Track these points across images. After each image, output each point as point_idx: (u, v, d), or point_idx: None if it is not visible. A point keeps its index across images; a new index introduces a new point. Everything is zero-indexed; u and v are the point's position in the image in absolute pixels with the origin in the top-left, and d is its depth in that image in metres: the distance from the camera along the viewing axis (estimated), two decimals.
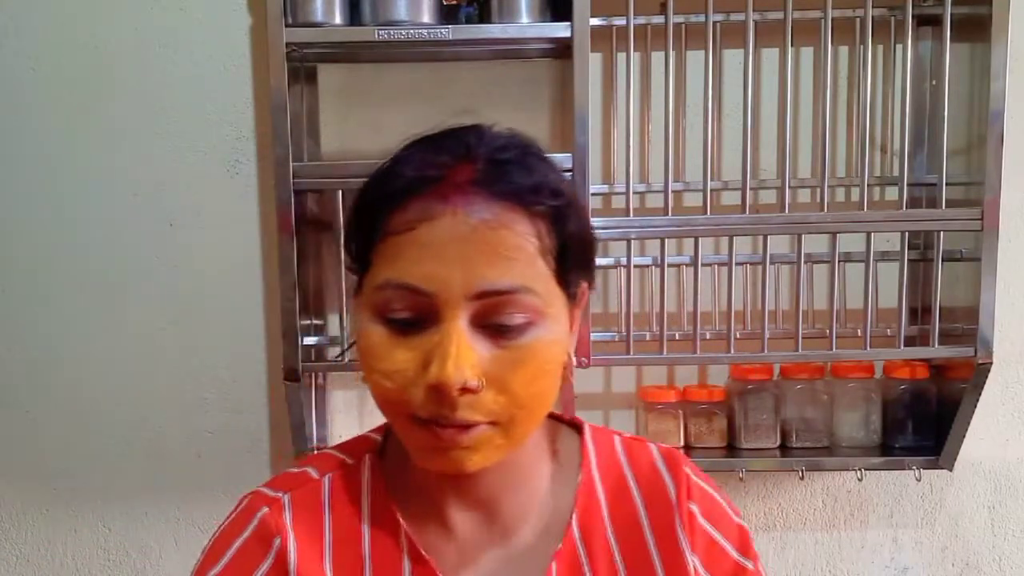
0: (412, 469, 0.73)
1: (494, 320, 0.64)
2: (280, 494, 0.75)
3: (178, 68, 1.47)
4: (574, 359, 0.72)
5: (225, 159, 1.49)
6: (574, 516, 0.74)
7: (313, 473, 0.76)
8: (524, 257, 0.64)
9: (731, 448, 1.49)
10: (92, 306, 1.51)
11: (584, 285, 0.71)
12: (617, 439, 0.79)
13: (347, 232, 0.70)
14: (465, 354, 0.62)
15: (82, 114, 1.48)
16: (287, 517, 0.73)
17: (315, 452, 0.78)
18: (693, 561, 0.73)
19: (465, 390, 0.63)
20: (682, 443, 1.49)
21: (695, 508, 0.75)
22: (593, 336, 1.37)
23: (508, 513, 0.74)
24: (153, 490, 1.55)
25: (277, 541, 0.72)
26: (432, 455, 0.67)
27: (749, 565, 0.76)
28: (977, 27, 1.34)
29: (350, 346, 0.79)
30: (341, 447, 0.79)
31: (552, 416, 0.79)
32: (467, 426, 0.64)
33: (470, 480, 0.71)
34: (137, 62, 1.47)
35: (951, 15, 1.32)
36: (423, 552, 0.72)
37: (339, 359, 1.45)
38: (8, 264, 1.51)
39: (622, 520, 0.74)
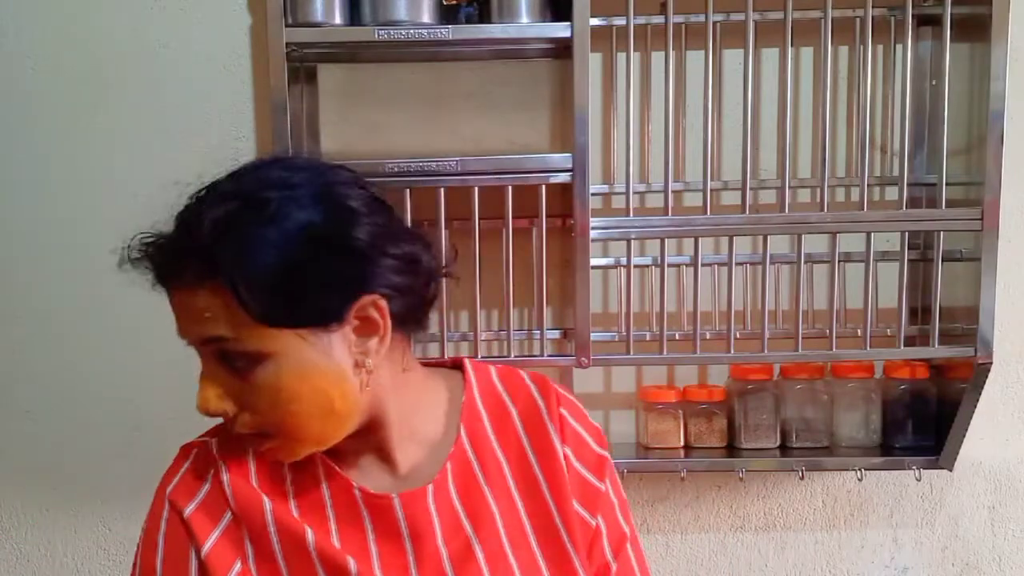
0: None
1: (227, 361, 0.81)
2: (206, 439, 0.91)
3: (178, 68, 1.47)
4: (368, 365, 0.80)
5: (225, 159, 1.47)
6: (461, 428, 0.88)
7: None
8: (217, 314, 0.80)
9: (731, 448, 1.49)
10: (92, 306, 1.51)
11: (351, 307, 0.78)
12: (492, 369, 0.93)
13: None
14: (209, 388, 0.82)
15: (82, 114, 1.48)
16: (215, 448, 0.89)
17: None
18: (564, 450, 0.89)
19: (217, 414, 0.82)
20: (682, 443, 1.49)
21: (564, 412, 0.90)
22: (593, 336, 1.37)
23: (402, 460, 0.86)
24: (153, 490, 1.54)
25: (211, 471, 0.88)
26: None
27: (606, 454, 0.92)
28: (977, 27, 1.34)
29: None
30: None
31: (432, 364, 0.93)
32: (251, 435, 0.82)
33: (356, 439, 0.84)
34: (137, 62, 1.47)
35: (951, 15, 1.32)
36: (337, 468, 0.85)
37: None
38: (8, 264, 1.51)
39: (501, 427, 0.89)
